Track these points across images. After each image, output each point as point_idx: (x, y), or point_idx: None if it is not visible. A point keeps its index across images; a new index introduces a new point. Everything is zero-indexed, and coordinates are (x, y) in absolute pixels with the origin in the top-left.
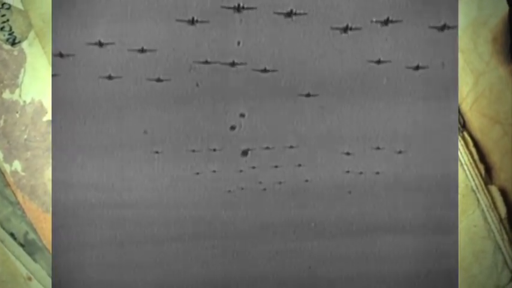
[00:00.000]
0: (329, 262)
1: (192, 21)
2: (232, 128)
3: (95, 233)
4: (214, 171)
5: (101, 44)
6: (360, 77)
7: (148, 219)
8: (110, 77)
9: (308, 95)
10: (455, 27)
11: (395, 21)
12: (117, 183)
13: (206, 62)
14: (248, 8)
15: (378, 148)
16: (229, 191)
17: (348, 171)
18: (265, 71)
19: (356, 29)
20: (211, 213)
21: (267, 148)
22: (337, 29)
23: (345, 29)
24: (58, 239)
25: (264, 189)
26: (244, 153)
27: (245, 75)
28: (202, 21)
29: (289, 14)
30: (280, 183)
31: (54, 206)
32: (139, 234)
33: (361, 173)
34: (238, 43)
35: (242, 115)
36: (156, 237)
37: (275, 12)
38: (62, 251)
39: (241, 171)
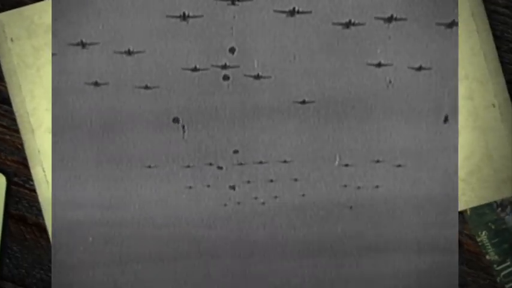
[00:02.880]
0: (327, 281)
1: (184, 17)
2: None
3: (93, 250)
4: (208, 186)
5: (83, 45)
6: (360, 82)
7: (145, 237)
8: (96, 84)
9: (304, 102)
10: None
11: (400, 19)
12: (114, 200)
13: (196, 69)
14: (244, 0)
15: (378, 161)
16: (225, 205)
17: (345, 185)
18: (258, 77)
19: (359, 24)
20: (206, 229)
21: (261, 163)
22: (339, 24)
23: (347, 25)
24: (58, 256)
25: (263, 203)
26: (239, 167)
27: (237, 82)
28: (194, 16)
29: (292, 13)
30: (276, 197)
31: (54, 223)
32: (137, 252)
33: (359, 187)
34: (233, 45)
35: (235, 132)
36: (153, 255)
37: (275, 11)
38: (62, 268)
39: (235, 186)
